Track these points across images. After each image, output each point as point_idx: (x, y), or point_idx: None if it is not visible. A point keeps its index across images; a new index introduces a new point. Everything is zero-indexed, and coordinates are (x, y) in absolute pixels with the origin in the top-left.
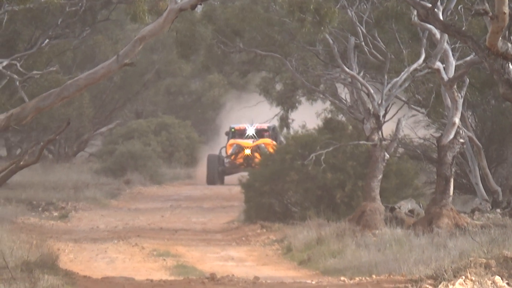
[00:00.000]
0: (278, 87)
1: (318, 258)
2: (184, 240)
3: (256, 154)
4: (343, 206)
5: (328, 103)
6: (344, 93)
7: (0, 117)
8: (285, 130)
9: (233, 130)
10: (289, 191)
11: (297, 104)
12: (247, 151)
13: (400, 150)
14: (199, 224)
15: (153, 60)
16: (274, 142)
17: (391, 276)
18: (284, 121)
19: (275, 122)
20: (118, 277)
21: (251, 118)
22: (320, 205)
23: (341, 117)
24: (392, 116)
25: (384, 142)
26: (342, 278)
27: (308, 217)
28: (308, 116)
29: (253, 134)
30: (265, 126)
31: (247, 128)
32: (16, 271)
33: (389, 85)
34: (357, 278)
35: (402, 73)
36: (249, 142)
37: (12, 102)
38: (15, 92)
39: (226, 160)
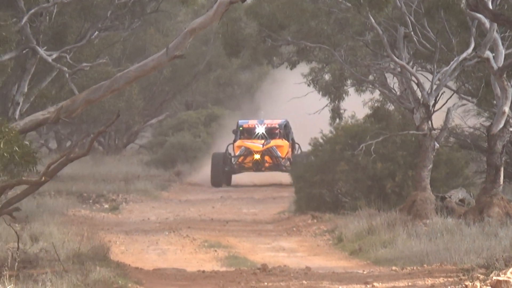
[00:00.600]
0: (327, 77)
1: (369, 248)
2: (235, 231)
3: (267, 158)
4: (393, 196)
5: (377, 93)
6: (393, 83)
7: (50, 109)
8: (337, 120)
9: (241, 128)
10: (340, 181)
11: (344, 95)
12: (257, 156)
13: (450, 139)
14: (250, 215)
15: (203, 51)
16: (287, 142)
17: (443, 266)
18: (336, 112)
19: (326, 113)
20: (170, 269)
21: (261, 114)
22: (370, 195)
23: (389, 106)
24: (442, 106)
25: (434, 132)
26: (393, 267)
27: (359, 207)
28: (356, 107)
29: (263, 133)
30: (276, 123)
31: (256, 126)
32: (68, 263)
33: (439, 75)
34: (408, 268)
35: (452, 63)
36: (259, 146)
37: (62, 95)
38: (65, 84)
39: (233, 160)
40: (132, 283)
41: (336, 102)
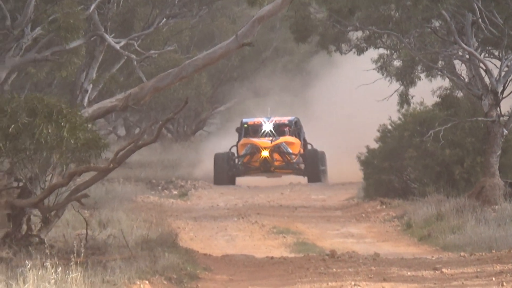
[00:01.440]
0: (396, 63)
1: (438, 234)
2: (304, 217)
3: (276, 156)
4: (462, 182)
5: (447, 80)
6: (461, 69)
7: (118, 97)
8: (405, 106)
9: (245, 125)
10: (408, 168)
11: (416, 80)
12: (265, 153)
13: None
14: (319, 201)
15: (271, 38)
16: (298, 140)
17: (511, 252)
18: (404, 97)
19: (393, 101)
20: (238, 255)
21: (268, 109)
22: (439, 181)
23: (457, 93)
24: (511, 92)
25: (502, 118)
26: (462, 253)
27: (428, 193)
28: (425, 93)
29: (270, 131)
30: (285, 119)
31: (263, 122)
32: (136, 250)
33: (507, 61)
34: (477, 254)
35: None
36: (267, 142)
37: (130, 82)
38: (133, 72)
39: (238, 162)
40: (201, 269)
41: (407, 87)
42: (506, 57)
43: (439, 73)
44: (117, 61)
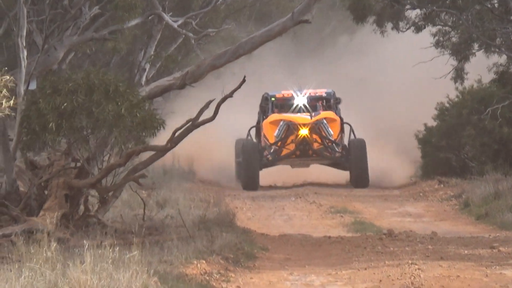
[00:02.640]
0: (454, 39)
1: (495, 213)
2: (361, 197)
3: (315, 136)
4: None
5: (504, 57)
6: None
7: (176, 75)
8: (459, 82)
9: (273, 99)
10: (466, 146)
11: (471, 57)
12: (303, 132)
13: None
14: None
15: (329, 15)
16: (339, 118)
17: None
18: (459, 73)
19: (449, 82)
20: (296, 234)
21: (297, 83)
22: (497, 159)
23: None
24: None
25: None
26: None
27: (486, 171)
28: (482, 70)
29: (304, 105)
30: (322, 91)
31: (294, 95)
32: (194, 230)
33: None
34: None
35: None
36: (306, 117)
37: (188, 61)
38: (191, 50)
39: (269, 148)
40: (258, 249)
41: (462, 63)
42: None
43: (497, 50)
44: (174, 40)
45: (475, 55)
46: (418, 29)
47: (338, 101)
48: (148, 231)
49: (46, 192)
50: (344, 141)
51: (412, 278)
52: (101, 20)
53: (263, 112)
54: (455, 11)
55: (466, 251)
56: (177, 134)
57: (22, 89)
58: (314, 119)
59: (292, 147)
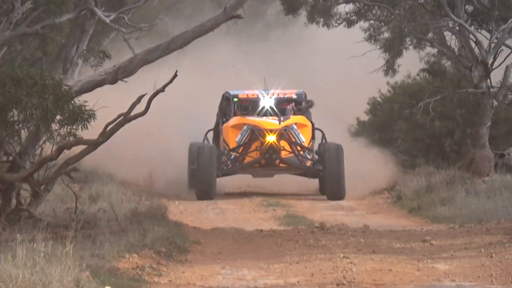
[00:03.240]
0: (386, 34)
1: (428, 206)
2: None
3: (284, 143)
4: (452, 154)
5: (435, 51)
6: (451, 40)
7: (108, 70)
8: (390, 73)
9: (235, 100)
10: (398, 140)
11: (404, 50)
12: (270, 138)
13: (509, 97)
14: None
15: (263, 10)
16: (310, 123)
17: (501, 223)
18: (391, 67)
19: (382, 76)
20: (228, 228)
21: (264, 80)
22: (429, 153)
23: (445, 62)
24: (500, 64)
25: (492, 90)
26: (451, 225)
27: (418, 165)
28: (412, 65)
29: (271, 108)
30: (292, 93)
31: (260, 96)
32: (126, 223)
33: (497, 33)
34: (466, 226)
35: (510, 20)
36: (273, 122)
37: (121, 56)
38: (124, 45)
39: (228, 154)
40: (190, 242)
41: (394, 57)
42: (496, 28)
43: (428, 44)
44: (107, 35)
45: (408, 49)
46: (350, 23)
47: (309, 104)
48: (80, 225)
49: None
50: (315, 147)
51: (344, 272)
52: (34, 15)
53: (223, 114)
54: (387, 5)
55: (398, 245)
56: (109, 128)
57: None
58: (283, 124)
59: (256, 155)
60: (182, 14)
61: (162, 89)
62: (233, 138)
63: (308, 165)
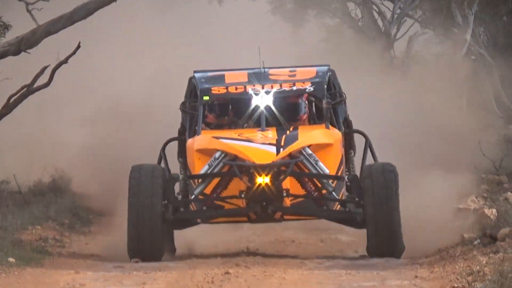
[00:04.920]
0: (289, 5)
1: None
2: None
3: (290, 182)
4: None
5: (336, 21)
6: (355, 11)
7: (10, 41)
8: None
9: (206, 98)
10: None
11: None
12: (262, 180)
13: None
14: None
15: None
16: (338, 132)
17: None
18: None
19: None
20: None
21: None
22: None
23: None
24: (403, 34)
25: (395, 60)
26: None
27: None
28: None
29: (269, 109)
30: (306, 84)
31: (251, 93)
32: (29, 195)
33: (400, 3)
34: None
35: None
36: (266, 150)
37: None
38: (27, 16)
39: (193, 192)
40: (94, 214)
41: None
42: None
43: (331, 15)
44: (10, 6)
45: (310, 21)
46: None
47: (342, 97)
48: None
49: None
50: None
51: (248, 243)
52: None
53: (188, 121)
54: None
55: None
56: (12, 100)
57: None
58: (283, 153)
59: (240, 202)
60: None
61: (65, 61)
62: (199, 167)
63: (335, 209)
